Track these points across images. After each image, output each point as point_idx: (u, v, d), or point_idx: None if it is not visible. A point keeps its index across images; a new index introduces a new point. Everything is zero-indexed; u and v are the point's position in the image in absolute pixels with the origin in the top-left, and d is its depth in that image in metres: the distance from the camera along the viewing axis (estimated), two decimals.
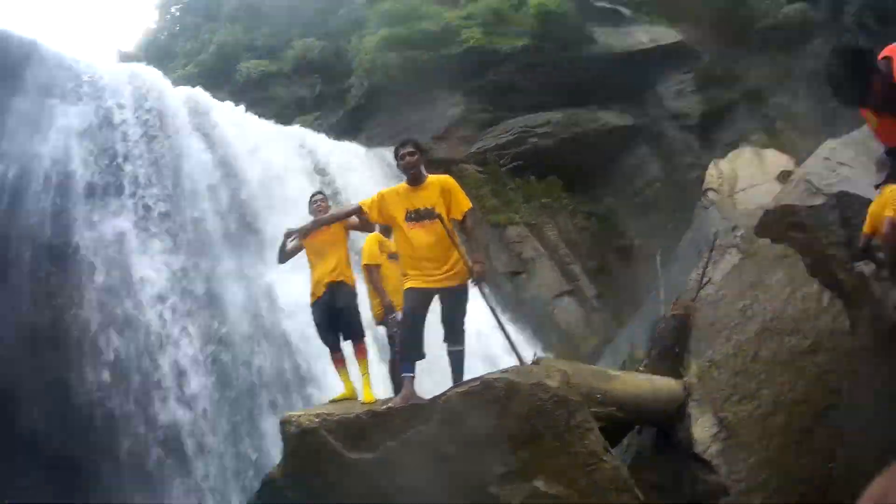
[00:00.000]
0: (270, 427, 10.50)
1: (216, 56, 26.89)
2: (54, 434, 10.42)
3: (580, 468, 3.99)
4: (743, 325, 5.32)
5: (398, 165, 5.87)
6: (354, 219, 6.21)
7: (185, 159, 14.54)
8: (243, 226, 14.60)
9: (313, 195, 7.26)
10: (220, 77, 24.68)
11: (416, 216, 5.52)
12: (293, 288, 11.44)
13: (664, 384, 5.41)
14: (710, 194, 13.69)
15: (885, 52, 3.75)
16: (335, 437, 4.72)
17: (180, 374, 11.45)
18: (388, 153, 19.49)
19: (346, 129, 22.14)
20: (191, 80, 20.27)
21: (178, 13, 32.60)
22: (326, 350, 6.55)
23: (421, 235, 5.49)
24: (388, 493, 4.35)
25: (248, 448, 11.12)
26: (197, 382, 11.46)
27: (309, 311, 6.69)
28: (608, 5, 23.39)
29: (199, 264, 13.28)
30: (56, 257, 12.22)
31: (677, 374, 5.53)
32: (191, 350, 11.87)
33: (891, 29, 14.90)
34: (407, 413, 4.61)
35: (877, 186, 4.38)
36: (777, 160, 14.20)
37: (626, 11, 23.40)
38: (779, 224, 6.28)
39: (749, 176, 13.96)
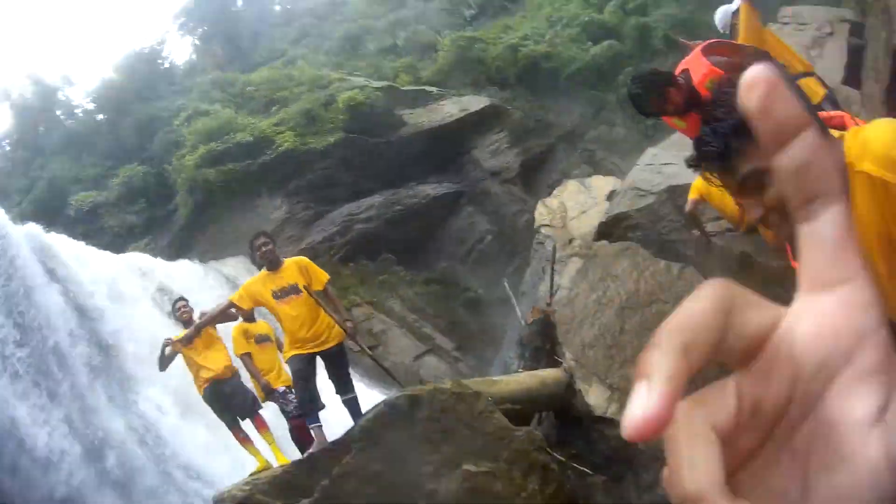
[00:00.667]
0: None
1: (47, 191, 27.18)
2: None
3: (497, 442, 4.51)
4: (602, 310, 5.80)
5: (256, 257, 6.72)
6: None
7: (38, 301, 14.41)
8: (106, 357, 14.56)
9: (175, 302, 7.72)
10: (52, 212, 24.62)
11: (283, 293, 6.48)
12: None
13: (547, 373, 5.92)
14: (544, 230, 14.13)
15: (681, 66, 4.70)
16: (269, 496, 4.96)
17: None
18: (223, 266, 19.98)
19: (178, 248, 22.52)
20: (25, 217, 20.09)
21: (8, 148, 32.53)
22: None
23: (289, 310, 6.40)
24: None
25: None
26: None
27: None
28: (414, 87, 24.95)
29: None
30: None
31: (556, 366, 6.08)
32: None
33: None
34: (328, 453, 4.99)
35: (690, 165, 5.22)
36: (603, 184, 14.52)
37: (431, 89, 24.90)
38: (615, 230, 7.16)
39: (578, 203, 14.04)
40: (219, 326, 7.49)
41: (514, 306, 11.23)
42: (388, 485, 4.46)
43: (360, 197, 22.87)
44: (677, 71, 4.66)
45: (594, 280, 6.00)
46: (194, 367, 7.23)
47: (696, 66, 4.55)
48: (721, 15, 6.91)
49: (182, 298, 7.96)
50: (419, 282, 22.10)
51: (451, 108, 24.08)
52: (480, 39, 26.44)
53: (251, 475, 6.09)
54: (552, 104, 24.90)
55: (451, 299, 21.78)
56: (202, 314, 7.42)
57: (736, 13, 6.29)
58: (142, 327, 15.00)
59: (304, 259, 6.83)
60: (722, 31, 6.83)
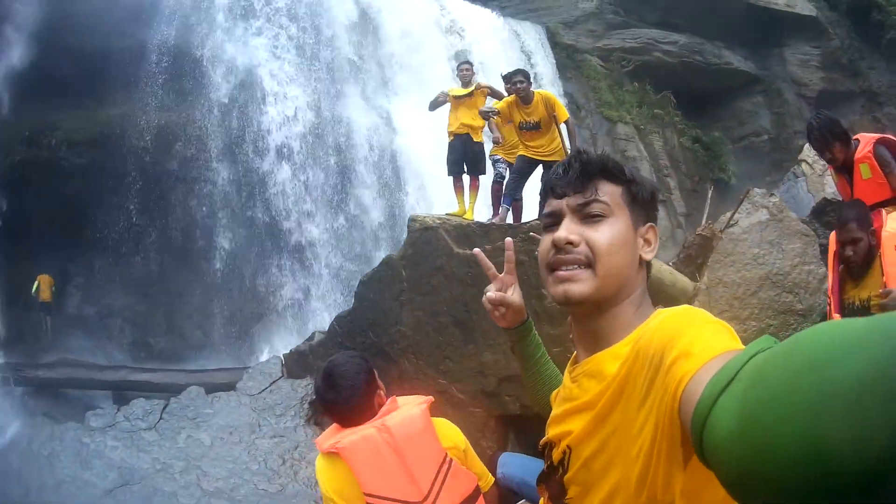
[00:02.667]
0: None
1: None
2: None
3: None
4: (753, 266, 6.06)
5: (510, 90, 7.49)
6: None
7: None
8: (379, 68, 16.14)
9: (461, 63, 9.06)
10: None
11: (527, 126, 7.38)
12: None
13: (681, 279, 6.40)
14: (804, 166, 13.83)
15: (860, 135, 5.30)
16: (449, 235, 6.56)
17: None
18: (518, 25, 20.50)
19: None
20: None
21: None
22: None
23: (530, 142, 7.45)
24: (477, 275, 6.14)
25: None
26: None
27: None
28: None
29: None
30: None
31: (694, 280, 6.54)
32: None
33: None
34: (502, 229, 6.42)
35: None
36: None
37: None
38: (827, 214, 7.60)
39: None
40: None
41: (704, 209, 11.68)
42: (523, 273, 5.67)
43: (668, 29, 22.38)
44: (854, 136, 5.20)
45: (765, 240, 6.16)
46: (451, 117, 8.67)
47: (863, 146, 5.09)
48: None
49: (467, 62, 9.07)
50: (688, 135, 22.04)
51: None
52: None
53: (447, 214, 7.67)
54: (868, 54, 23.17)
55: (704, 170, 21.70)
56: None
57: None
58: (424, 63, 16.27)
59: (551, 96, 7.60)
60: None
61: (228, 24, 14.64)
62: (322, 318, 12.46)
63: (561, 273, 1.42)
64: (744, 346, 0.95)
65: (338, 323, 7.75)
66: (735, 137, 22.93)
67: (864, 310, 4.28)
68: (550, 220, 1.49)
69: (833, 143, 5.07)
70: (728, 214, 6.64)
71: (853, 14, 23.39)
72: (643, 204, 1.50)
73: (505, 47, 18.94)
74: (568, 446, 1.39)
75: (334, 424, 2.77)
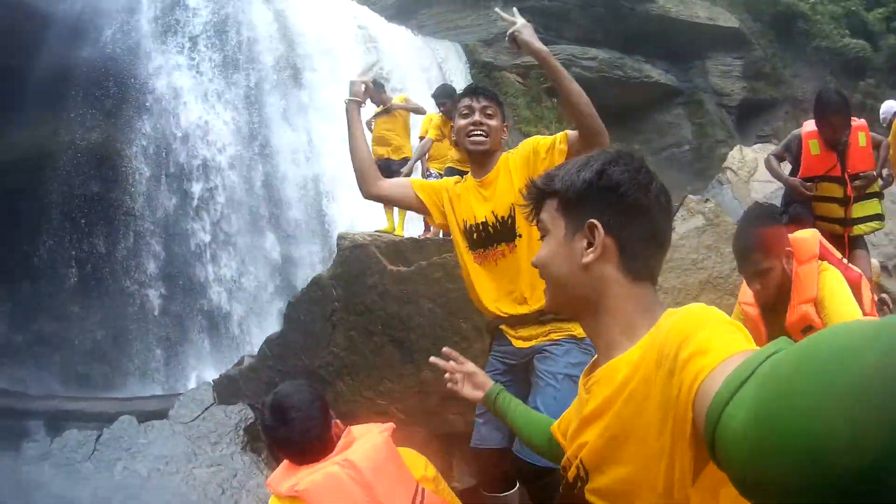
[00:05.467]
0: None
1: None
2: None
3: None
4: (692, 271, 6.04)
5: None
6: None
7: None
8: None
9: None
10: None
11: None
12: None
13: None
14: (728, 173, 14.11)
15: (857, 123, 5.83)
16: (381, 252, 6.38)
17: None
18: (436, 44, 20.60)
19: (398, 13, 22.75)
20: None
21: None
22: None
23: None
24: (412, 292, 6.00)
25: None
26: None
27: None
28: None
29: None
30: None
31: None
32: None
33: None
34: (436, 244, 6.32)
35: None
36: None
37: None
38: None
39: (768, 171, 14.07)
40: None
41: None
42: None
43: (587, 45, 22.85)
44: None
45: (703, 245, 6.16)
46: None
47: (857, 129, 5.68)
48: (886, 108, 7.44)
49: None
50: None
51: (700, 11, 23.48)
52: None
53: (377, 231, 7.52)
54: (791, 62, 24.29)
55: None
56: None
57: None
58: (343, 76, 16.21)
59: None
60: (881, 120, 7.39)
61: (152, 45, 14.40)
62: (252, 342, 12.22)
63: None
64: (758, 347, 0.97)
65: (268, 346, 7.50)
66: (655, 149, 23.54)
67: None
68: None
69: (844, 117, 5.55)
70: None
71: (777, 24, 24.41)
72: (574, 205, 1.46)
73: (423, 65, 19.03)
74: (581, 461, 1.36)
75: (286, 462, 2.52)
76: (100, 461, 7.19)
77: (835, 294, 3.22)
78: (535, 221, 1.53)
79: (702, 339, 1.06)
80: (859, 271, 3.60)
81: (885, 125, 7.47)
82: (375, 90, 8.86)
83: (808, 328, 3.24)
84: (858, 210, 5.99)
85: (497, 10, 3.76)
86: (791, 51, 24.49)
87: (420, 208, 3.81)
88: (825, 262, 3.39)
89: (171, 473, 6.92)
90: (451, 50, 21.02)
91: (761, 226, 3.44)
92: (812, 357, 0.67)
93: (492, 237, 3.48)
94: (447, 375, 2.26)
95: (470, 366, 2.27)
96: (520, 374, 3.43)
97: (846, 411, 0.58)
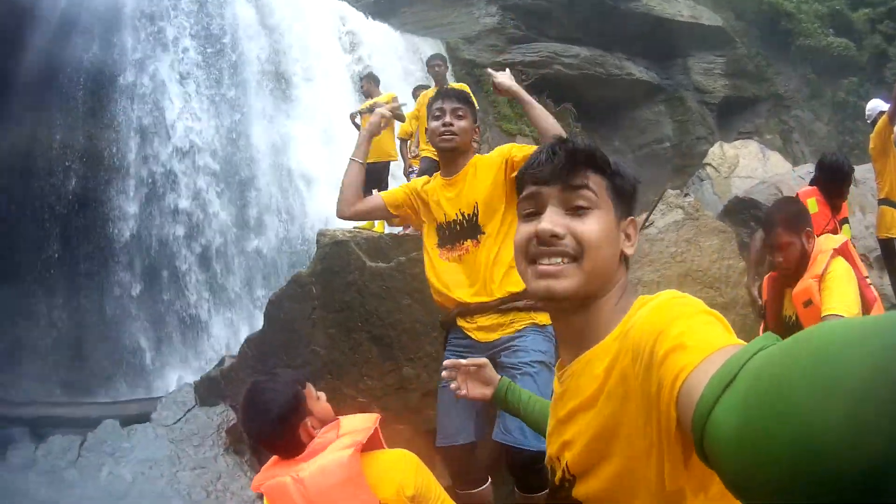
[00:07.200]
0: None
1: None
2: None
3: None
4: (670, 265, 6.10)
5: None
6: None
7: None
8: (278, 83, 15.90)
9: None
10: None
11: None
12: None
13: None
14: (709, 170, 14.22)
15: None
16: (360, 249, 6.33)
17: None
18: (419, 41, 20.61)
19: (381, 9, 22.67)
20: None
21: None
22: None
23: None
24: (392, 288, 5.96)
25: None
26: None
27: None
28: None
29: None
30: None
31: None
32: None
33: None
34: (415, 239, 6.22)
35: None
36: (778, 164, 14.47)
37: None
38: (741, 212, 7.77)
39: (749, 167, 14.24)
40: None
41: None
42: None
43: (568, 43, 22.83)
44: None
45: (681, 238, 6.24)
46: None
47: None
48: (872, 106, 7.60)
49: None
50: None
51: (684, 9, 23.49)
52: None
53: (356, 227, 7.46)
54: (775, 60, 24.45)
55: None
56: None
57: (880, 115, 7.08)
58: (324, 72, 16.26)
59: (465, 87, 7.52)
60: (867, 117, 7.58)
61: (137, 44, 14.28)
62: (233, 342, 12.15)
63: (544, 267, 1.34)
64: (739, 339, 0.96)
65: (248, 346, 7.44)
66: (636, 146, 23.63)
67: (793, 327, 3.88)
68: (529, 208, 1.42)
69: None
70: (643, 216, 6.67)
71: (761, 22, 24.56)
72: (626, 197, 1.45)
73: (403, 63, 19.04)
74: (566, 464, 1.33)
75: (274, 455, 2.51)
76: (84, 467, 7.12)
77: (837, 280, 3.58)
78: (574, 181, 1.39)
79: (677, 333, 1.02)
80: (877, 294, 3.94)
81: (869, 122, 7.62)
82: (371, 84, 8.85)
83: (809, 302, 3.66)
84: None
85: (489, 70, 4.09)
86: (774, 49, 24.64)
87: (391, 218, 3.99)
88: (842, 258, 3.76)
89: (156, 477, 6.88)
90: (432, 47, 20.73)
91: (787, 207, 4.07)
92: (808, 355, 0.64)
93: (458, 234, 3.65)
94: (453, 385, 2.23)
95: (471, 361, 2.26)
96: None
97: (847, 410, 0.56)
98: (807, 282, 3.72)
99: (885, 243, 7.11)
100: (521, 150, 3.56)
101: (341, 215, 3.89)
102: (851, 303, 3.48)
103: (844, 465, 0.55)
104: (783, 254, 3.86)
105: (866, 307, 3.72)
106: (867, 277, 3.94)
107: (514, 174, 3.14)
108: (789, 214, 3.93)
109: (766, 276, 4.31)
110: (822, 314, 3.49)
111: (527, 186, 1.44)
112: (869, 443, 0.54)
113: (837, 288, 3.54)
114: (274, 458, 2.52)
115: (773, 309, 4.12)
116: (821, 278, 3.66)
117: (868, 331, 0.60)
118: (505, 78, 3.86)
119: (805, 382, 0.62)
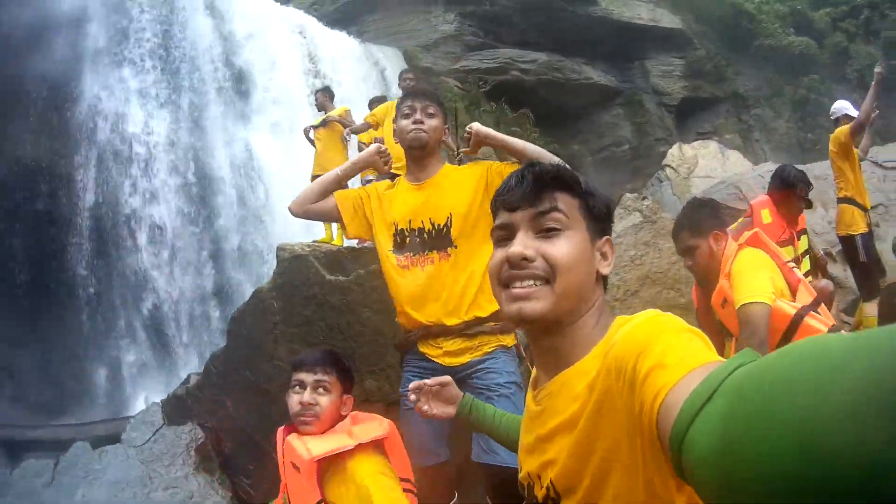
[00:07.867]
0: None
1: None
2: None
3: None
4: (630, 268, 6.15)
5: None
6: None
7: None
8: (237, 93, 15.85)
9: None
10: None
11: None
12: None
13: None
14: (668, 171, 14.29)
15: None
16: (320, 262, 6.37)
17: None
18: (377, 50, 20.64)
19: (339, 19, 22.72)
20: None
21: None
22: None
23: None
24: (352, 301, 6.00)
25: None
26: None
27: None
28: None
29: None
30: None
31: None
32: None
33: None
34: (375, 251, 6.25)
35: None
36: (738, 163, 14.62)
37: None
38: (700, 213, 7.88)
39: (708, 167, 14.40)
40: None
41: None
42: None
43: (526, 48, 23.04)
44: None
45: (640, 241, 6.28)
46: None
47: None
48: (837, 107, 7.80)
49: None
50: (547, 150, 22.36)
51: (643, 13, 23.89)
52: None
53: (314, 241, 7.49)
54: (735, 61, 24.80)
55: None
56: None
57: (845, 118, 7.29)
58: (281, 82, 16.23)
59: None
60: (831, 115, 7.77)
61: (97, 58, 14.25)
62: (196, 359, 12.15)
63: (516, 290, 1.36)
64: (720, 357, 0.97)
65: (213, 363, 7.39)
66: (594, 150, 23.85)
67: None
68: (502, 234, 1.44)
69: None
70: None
71: (721, 24, 24.78)
72: (599, 217, 1.49)
73: (363, 72, 19.07)
74: (551, 481, 1.32)
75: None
76: (59, 489, 7.03)
77: (741, 271, 3.54)
78: (542, 205, 1.42)
79: (658, 352, 1.04)
80: (801, 277, 3.85)
81: (833, 119, 7.82)
82: (326, 97, 8.87)
83: (725, 302, 3.61)
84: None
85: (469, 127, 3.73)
86: (735, 49, 24.96)
87: (338, 219, 3.87)
88: (749, 248, 3.72)
89: (129, 499, 6.77)
90: (391, 56, 20.98)
91: (691, 211, 4.04)
92: (788, 371, 0.64)
93: (425, 243, 3.50)
94: (418, 405, 2.24)
95: (435, 381, 2.28)
96: None
97: (847, 411, 0.55)
98: (720, 282, 3.70)
99: (845, 240, 7.32)
100: (499, 173, 3.48)
101: (296, 213, 3.79)
102: (760, 287, 3.44)
103: (841, 482, 0.54)
104: (691, 257, 3.88)
105: (791, 291, 3.68)
106: (788, 262, 3.88)
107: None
108: (693, 218, 3.93)
109: (693, 284, 4.34)
110: (736, 307, 3.45)
111: (499, 213, 1.47)
112: (868, 457, 0.52)
113: (742, 277, 3.50)
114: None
115: (703, 317, 4.13)
116: (728, 275, 3.64)
117: (851, 352, 0.59)
118: (478, 128, 3.67)
119: (791, 402, 0.61)
